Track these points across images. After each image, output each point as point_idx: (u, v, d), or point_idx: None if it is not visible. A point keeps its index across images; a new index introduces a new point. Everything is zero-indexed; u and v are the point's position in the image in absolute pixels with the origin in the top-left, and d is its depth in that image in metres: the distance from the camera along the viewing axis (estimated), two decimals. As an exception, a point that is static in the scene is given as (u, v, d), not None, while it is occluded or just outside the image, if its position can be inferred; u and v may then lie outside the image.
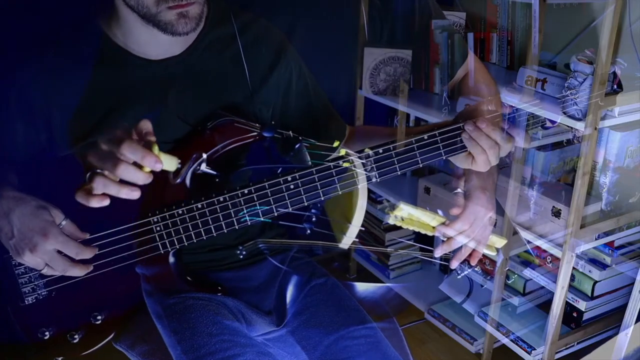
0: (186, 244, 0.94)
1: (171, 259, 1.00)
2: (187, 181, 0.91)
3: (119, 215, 0.93)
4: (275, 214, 0.94)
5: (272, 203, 0.94)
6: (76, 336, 1.00)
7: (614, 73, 1.52)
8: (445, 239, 1.10)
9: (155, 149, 0.83)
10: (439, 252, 1.11)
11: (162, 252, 0.94)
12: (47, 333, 0.98)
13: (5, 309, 0.98)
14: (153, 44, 1.03)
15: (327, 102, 1.22)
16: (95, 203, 0.84)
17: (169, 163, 0.87)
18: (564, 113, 1.53)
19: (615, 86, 1.55)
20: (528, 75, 1.69)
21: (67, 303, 0.98)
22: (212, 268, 1.21)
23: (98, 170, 0.83)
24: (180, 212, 0.93)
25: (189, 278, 1.06)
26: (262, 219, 0.94)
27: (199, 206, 0.93)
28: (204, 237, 0.94)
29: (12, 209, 0.88)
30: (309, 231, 0.99)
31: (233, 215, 0.93)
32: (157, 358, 1.12)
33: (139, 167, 0.83)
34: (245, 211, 0.93)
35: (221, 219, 0.93)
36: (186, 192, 0.95)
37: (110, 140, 0.83)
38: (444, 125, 0.99)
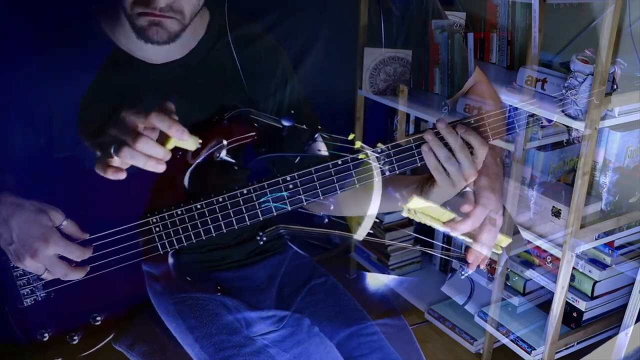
0: (185, 244, 0.94)
1: (170, 260, 1.00)
2: (186, 181, 0.90)
3: (118, 216, 0.93)
4: (275, 214, 0.94)
5: (272, 203, 0.94)
6: (75, 337, 1.00)
7: (613, 73, 1.52)
8: (460, 236, 1.09)
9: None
10: (471, 259, 1.09)
11: (162, 252, 0.94)
12: (46, 334, 0.98)
13: (4, 310, 0.97)
14: (151, 50, 1.03)
15: (314, 114, 1.22)
16: (112, 174, 0.85)
17: (190, 142, 0.88)
18: (564, 113, 1.53)
19: (615, 86, 1.55)
20: (528, 75, 1.69)
21: (66, 304, 0.97)
22: (211, 268, 1.22)
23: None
24: (179, 212, 0.93)
25: (188, 278, 1.07)
26: (261, 218, 0.94)
27: (198, 206, 0.93)
28: (204, 238, 0.94)
29: (10, 215, 0.88)
30: (326, 220, 0.99)
31: (232, 216, 0.93)
32: (157, 358, 1.13)
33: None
34: (244, 211, 0.93)
35: (220, 219, 0.93)
36: (186, 192, 0.95)
37: (136, 112, 0.84)
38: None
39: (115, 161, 0.85)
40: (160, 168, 0.86)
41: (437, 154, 0.96)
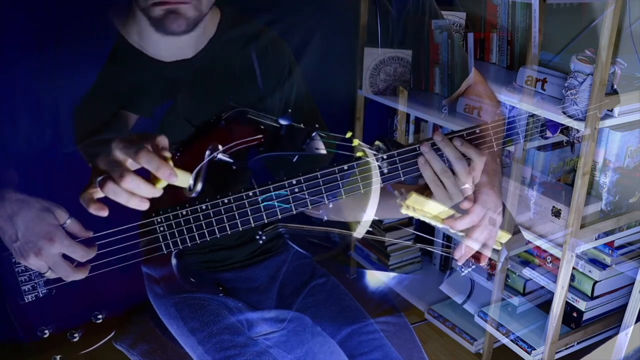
0: (189, 244, 0.94)
1: (173, 260, 0.99)
2: (191, 182, 0.90)
3: (122, 214, 0.92)
4: (280, 217, 0.94)
5: (277, 206, 0.93)
6: (76, 335, 1.00)
7: (613, 73, 1.52)
8: (459, 233, 1.09)
9: (170, 163, 0.82)
10: (458, 255, 1.10)
11: (165, 252, 0.94)
12: (46, 331, 0.98)
13: (5, 307, 0.97)
14: (164, 46, 1.04)
15: (318, 112, 1.23)
16: (94, 210, 0.82)
17: (183, 178, 0.85)
18: (564, 113, 1.53)
19: (614, 86, 1.55)
20: (528, 75, 1.69)
21: (68, 301, 0.97)
22: (213, 269, 1.22)
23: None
24: (184, 212, 0.93)
25: (192, 279, 1.06)
26: (266, 220, 0.94)
27: (203, 207, 0.93)
28: (208, 238, 0.94)
29: (15, 212, 0.87)
30: (325, 218, 0.99)
31: (237, 217, 0.93)
32: (158, 357, 1.13)
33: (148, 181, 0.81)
34: (249, 213, 0.93)
35: (225, 221, 0.93)
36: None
37: (125, 147, 0.80)
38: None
39: (99, 194, 0.82)
40: (144, 206, 0.82)
41: (433, 166, 0.96)
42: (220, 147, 0.93)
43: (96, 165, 0.83)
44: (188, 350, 1.10)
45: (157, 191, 0.82)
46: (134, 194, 0.81)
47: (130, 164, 0.80)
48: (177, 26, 0.97)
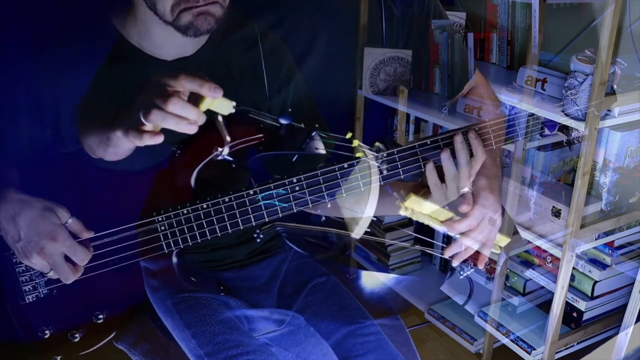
0: (190, 243, 0.94)
1: (174, 259, 1.00)
2: (192, 181, 0.90)
3: (123, 214, 0.92)
4: (280, 215, 0.94)
5: (277, 204, 0.94)
6: (77, 335, 1.00)
7: (613, 73, 1.52)
8: (457, 236, 1.10)
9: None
10: (449, 252, 1.10)
11: (166, 251, 0.94)
12: (47, 332, 0.98)
13: (5, 307, 0.97)
14: (167, 45, 1.04)
15: (318, 112, 1.23)
16: (150, 138, 0.81)
17: (224, 103, 0.85)
18: (564, 113, 1.53)
19: (614, 86, 1.55)
20: (528, 75, 1.70)
21: (69, 302, 0.97)
22: (214, 268, 1.22)
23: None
24: (185, 211, 0.93)
25: (193, 279, 1.07)
26: (267, 219, 0.94)
27: (204, 206, 0.93)
28: (209, 237, 0.94)
29: (18, 212, 0.87)
30: (323, 218, 0.99)
31: (238, 216, 0.93)
32: (159, 356, 1.12)
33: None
34: (250, 211, 0.93)
35: (226, 219, 0.93)
36: (191, 192, 0.94)
37: (162, 77, 0.82)
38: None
39: (147, 126, 0.82)
40: (193, 129, 0.82)
41: (445, 172, 0.97)
42: (225, 146, 0.93)
43: (135, 102, 0.82)
44: (182, 345, 1.10)
45: (199, 112, 0.82)
46: (182, 117, 0.81)
47: (171, 90, 0.81)
48: (208, 24, 0.97)
